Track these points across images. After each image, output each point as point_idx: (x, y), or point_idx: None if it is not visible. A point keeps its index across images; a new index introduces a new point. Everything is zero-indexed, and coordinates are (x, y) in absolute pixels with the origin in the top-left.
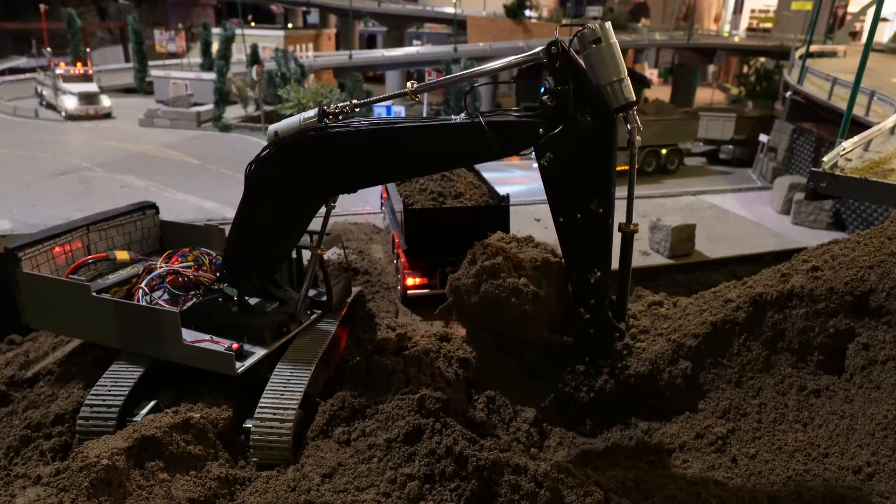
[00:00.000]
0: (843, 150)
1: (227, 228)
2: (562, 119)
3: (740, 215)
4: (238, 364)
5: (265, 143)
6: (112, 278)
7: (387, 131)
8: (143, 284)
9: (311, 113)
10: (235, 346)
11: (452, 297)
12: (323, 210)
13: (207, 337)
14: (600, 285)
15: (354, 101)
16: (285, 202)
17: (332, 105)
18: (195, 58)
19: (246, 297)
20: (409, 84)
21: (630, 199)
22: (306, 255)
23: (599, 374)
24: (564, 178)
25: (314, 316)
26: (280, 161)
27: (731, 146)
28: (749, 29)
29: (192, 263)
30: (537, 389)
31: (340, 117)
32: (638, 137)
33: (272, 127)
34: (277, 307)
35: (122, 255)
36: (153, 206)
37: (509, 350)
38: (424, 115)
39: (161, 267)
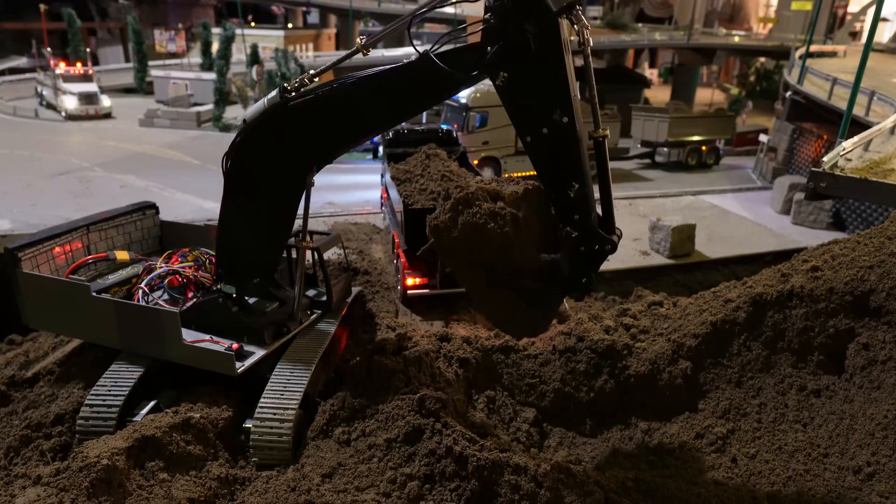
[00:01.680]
0: (843, 150)
1: None
2: (507, 34)
3: (740, 215)
4: (238, 364)
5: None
6: (112, 278)
7: (342, 90)
8: (142, 284)
9: (274, 93)
10: (235, 346)
11: (433, 238)
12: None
13: (207, 337)
14: (581, 198)
15: (311, 72)
16: (264, 188)
17: (293, 82)
18: (195, 58)
19: (245, 297)
20: (358, 39)
21: (594, 105)
22: (307, 255)
23: (593, 288)
24: (523, 95)
25: (314, 316)
26: (251, 145)
27: (665, 148)
28: (749, 29)
29: (192, 263)
30: (538, 318)
31: (301, 90)
32: (589, 38)
33: (241, 116)
34: (277, 307)
35: (122, 255)
36: (153, 207)
37: (502, 283)
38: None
39: (161, 267)
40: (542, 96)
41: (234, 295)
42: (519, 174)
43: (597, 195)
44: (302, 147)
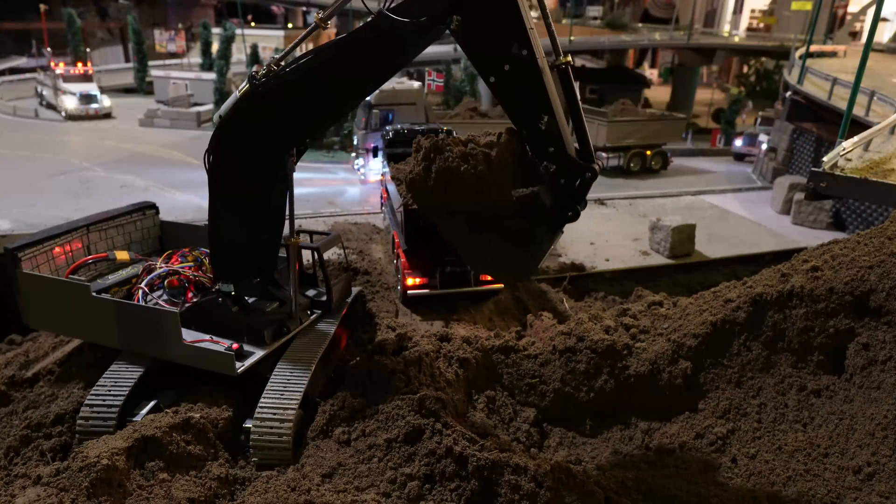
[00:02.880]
0: (843, 150)
1: None
2: None
3: (740, 215)
4: (238, 364)
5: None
6: (112, 278)
7: (306, 65)
8: (142, 284)
9: (245, 84)
10: (235, 345)
11: (411, 193)
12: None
13: (207, 337)
14: (553, 129)
15: (275, 57)
16: (247, 180)
17: (261, 68)
18: (195, 58)
19: (245, 297)
20: (315, 14)
21: (551, 32)
22: (307, 255)
23: (577, 217)
24: (479, 35)
25: (314, 316)
26: (228, 138)
27: (603, 153)
28: (749, 29)
29: (192, 264)
30: (527, 259)
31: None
32: None
33: (216, 115)
34: (277, 307)
35: (122, 255)
36: (153, 207)
37: (487, 228)
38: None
39: (161, 267)
40: (498, 33)
41: (233, 293)
42: None
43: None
44: (276, 130)
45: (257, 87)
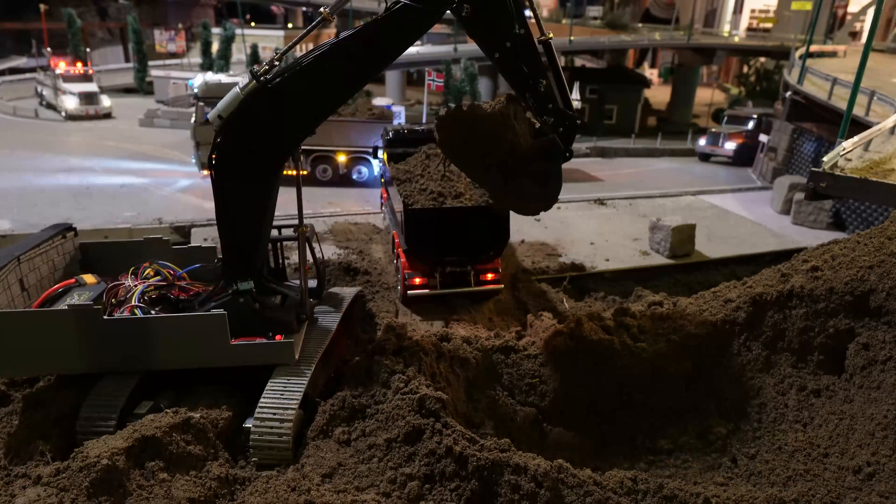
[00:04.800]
0: (843, 150)
1: (175, 237)
2: None
3: (740, 215)
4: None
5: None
6: (76, 301)
7: (324, 58)
8: (135, 301)
9: (245, 79)
10: (279, 336)
11: (449, 156)
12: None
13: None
14: (549, 90)
15: (277, 53)
16: (258, 172)
17: (262, 66)
18: (195, 58)
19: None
20: (322, 9)
21: (536, 16)
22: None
23: (572, 156)
24: (487, 20)
25: (314, 302)
26: (236, 137)
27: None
28: (749, 29)
29: (158, 277)
30: (550, 192)
31: (273, 72)
32: None
33: (213, 113)
34: (281, 298)
35: (88, 278)
36: (72, 228)
37: (517, 173)
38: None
39: (135, 284)
40: (502, 17)
41: (253, 290)
42: None
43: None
44: (287, 125)
45: (266, 84)
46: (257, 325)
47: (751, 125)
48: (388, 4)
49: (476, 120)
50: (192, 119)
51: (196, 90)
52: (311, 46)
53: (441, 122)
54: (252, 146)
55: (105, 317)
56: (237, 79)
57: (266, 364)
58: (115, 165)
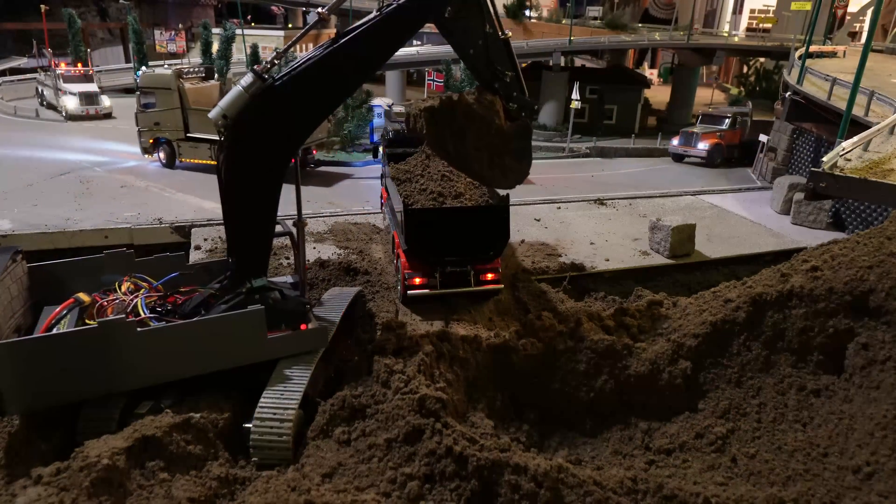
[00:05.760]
0: (843, 150)
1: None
2: None
3: (740, 215)
4: None
5: (221, 131)
6: (70, 320)
7: (326, 57)
8: (145, 312)
9: (248, 79)
10: (304, 325)
11: (435, 150)
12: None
13: None
14: (515, 80)
15: (278, 52)
16: (267, 168)
17: (262, 65)
18: (195, 58)
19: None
20: (319, 9)
21: (496, 13)
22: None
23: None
24: (464, 20)
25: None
26: (246, 134)
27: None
28: (749, 29)
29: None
30: (525, 167)
31: (273, 70)
32: None
33: (216, 112)
34: (279, 293)
35: (84, 297)
36: (20, 252)
37: (500, 153)
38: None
39: (125, 297)
40: (476, 18)
41: (266, 285)
42: (193, 160)
43: None
44: (295, 122)
45: (274, 83)
46: (278, 319)
47: (725, 125)
48: (382, 6)
49: (468, 108)
50: (136, 107)
51: (138, 80)
52: (310, 47)
53: (429, 117)
54: (264, 143)
55: (139, 329)
56: (166, 70)
57: (302, 352)
58: (81, 145)
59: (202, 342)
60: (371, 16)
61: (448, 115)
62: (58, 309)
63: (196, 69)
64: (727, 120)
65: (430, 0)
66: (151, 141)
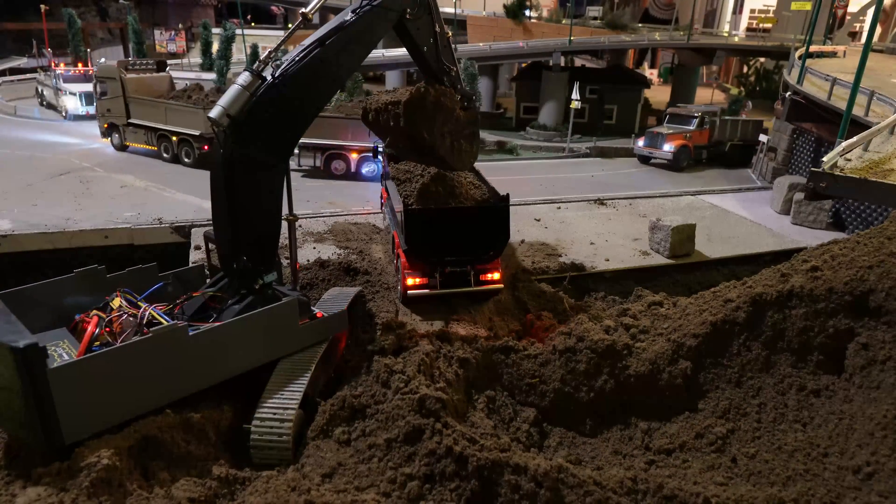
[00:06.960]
0: (843, 150)
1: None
2: None
3: (740, 215)
4: None
5: (224, 130)
6: (63, 353)
7: (320, 53)
8: (164, 318)
9: (246, 77)
10: (319, 313)
11: (412, 126)
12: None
13: None
14: (457, 74)
15: (270, 50)
16: (271, 164)
17: (259, 64)
18: (195, 58)
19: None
20: (302, 9)
21: (438, 14)
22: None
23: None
24: (420, 20)
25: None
26: (251, 132)
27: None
28: (749, 29)
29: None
30: (477, 149)
31: (270, 66)
32: None
33: (218, 112)
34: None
35: (102, 313)
36: None
37: (459, 138)
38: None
39: (121, 310)
40: (430, 19)
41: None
42: (135, 144)
43: None
44: (297, 116)
45: (275, 81)
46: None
47: (693, 125)
48: (355, 7)
49: (437, 99)
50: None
51: (95, 71)
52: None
53: (408, 107)
54: (271, 137)
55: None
56: (112, 63)
57: (330, 337)
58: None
59: (246, 338)
60: (348, 16)
61: (420, 106)
62: (92, 327)
63: (146, 62)
64: (695, 120)
65: (396, 2)
66: (106, 126)
